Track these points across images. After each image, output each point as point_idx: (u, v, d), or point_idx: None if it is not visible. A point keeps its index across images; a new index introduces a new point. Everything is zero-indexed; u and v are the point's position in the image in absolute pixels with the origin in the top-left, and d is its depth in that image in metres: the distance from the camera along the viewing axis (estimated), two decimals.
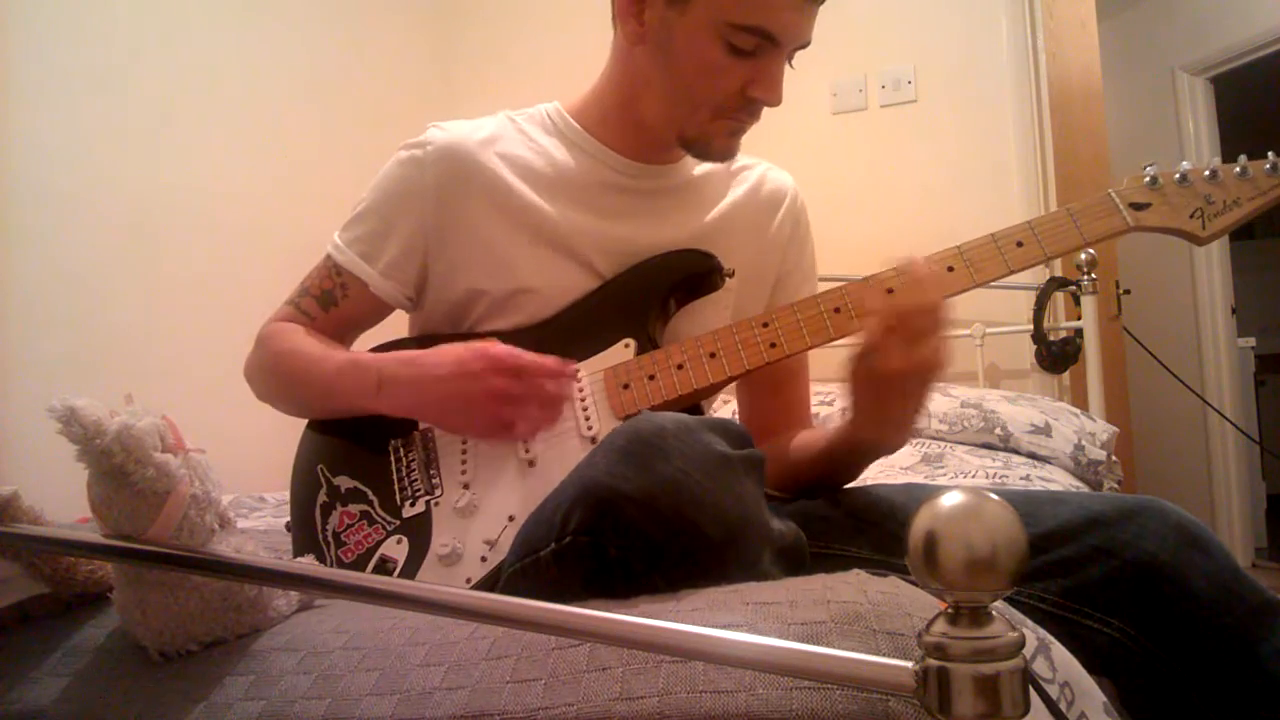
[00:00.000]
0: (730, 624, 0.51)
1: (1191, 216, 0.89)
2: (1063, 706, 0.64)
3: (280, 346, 0.99)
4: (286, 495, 0.98)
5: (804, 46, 0.92)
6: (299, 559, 0.80)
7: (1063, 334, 2.28)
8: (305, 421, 1.00)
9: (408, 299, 1.01)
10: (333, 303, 1.00)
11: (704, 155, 0.98)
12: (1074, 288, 2.24)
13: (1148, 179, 0.90)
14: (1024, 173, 2.31)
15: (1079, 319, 2.24)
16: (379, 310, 1.02)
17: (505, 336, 0.95)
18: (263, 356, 1.01)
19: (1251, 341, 3.80)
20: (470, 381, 0.84)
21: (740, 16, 0.86)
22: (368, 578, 0.55)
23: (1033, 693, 0.36)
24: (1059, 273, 2.28)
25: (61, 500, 0.81)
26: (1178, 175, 0.90)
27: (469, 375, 0.85)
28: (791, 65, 0.93)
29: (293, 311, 1.02)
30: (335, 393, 0.93)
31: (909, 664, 0.36)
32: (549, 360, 0.87)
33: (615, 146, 1.00)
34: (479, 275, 0.96)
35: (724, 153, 0.97)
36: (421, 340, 0.98)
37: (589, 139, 1.00)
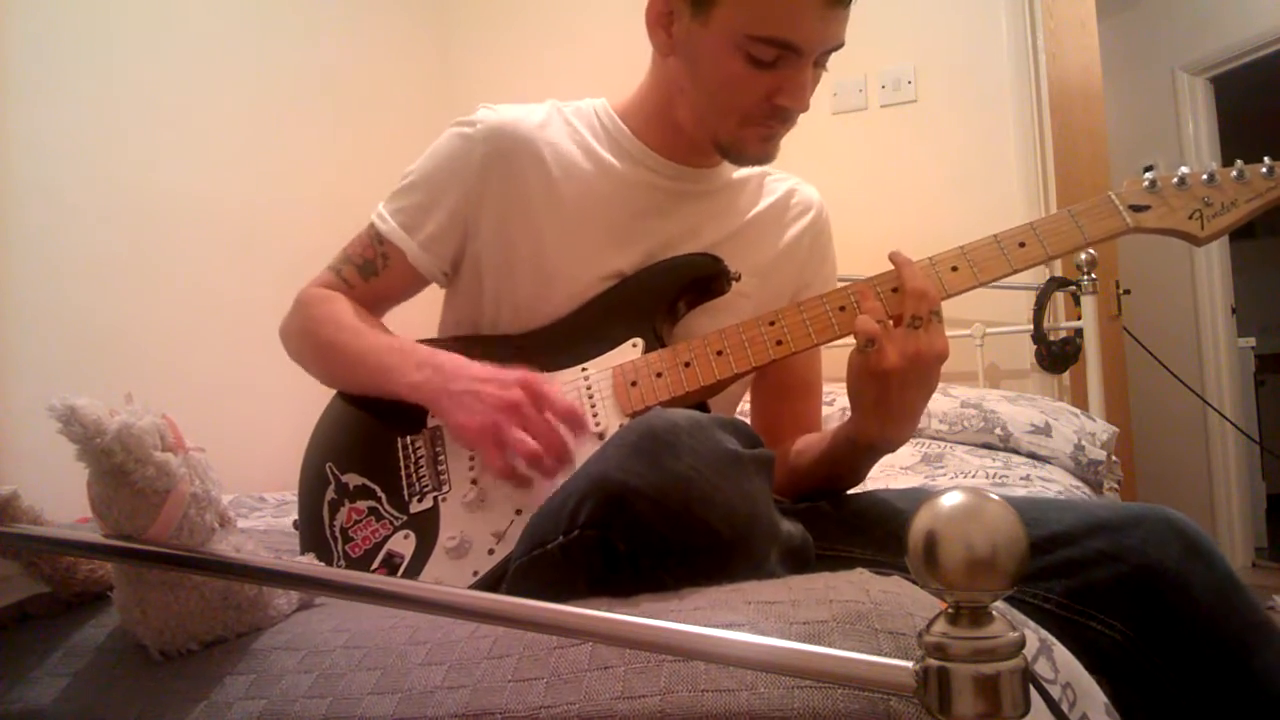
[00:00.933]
0: (732, 623, 0.51)
1: (1190, 218, 0.91)
2: (1064, 707, 0.64)
3: (321, 312, 1.00)
4: (287, 495, 0.98)
5: (837, 49, 0.91)
6: (299, 558, 0.80)
7: (1063, 334, 2.28)
8: (312, 422, 1.00)
9: (444, 274, 1.03)
10: (373, 273, 1.02)
11: (739, 160, 0.99)
12: (1074, 288, 2.24)
13: (1146, 182, 0.92)
14: (1024, 172, 2.31)
15: (1079, 319, 2.24)
16: (415, 283, 1.03)
17: (518, 336, 0.96)
18: (303, 320, 1.02)
19: (1251, 341, 3.80)
20: (495, 386, 0.84)
21: (757, 29, 0.86)
22: (369, 577, 0.55)
23: (1034, 693, 0.36)
24: (1059, 273, 2.28)
25: (61, 500, 0.81)
26: (1175, 179, 0.92)
27: (497, 380, 0.85)
28: (825, 68, 0.93)
29: (334, 278, 1.04)
30: (377, 368, 0.93)
31: (909, 664, 0.36)
32: (574, 406, 0.85)
33: (657, 148, 1.01)
34: (508, 260, 0.98)
35: (759, 157, 0.98)
36: (449, 341, 0.99)
37: (632, 139, 1.01)
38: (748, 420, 1.14)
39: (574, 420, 0.84)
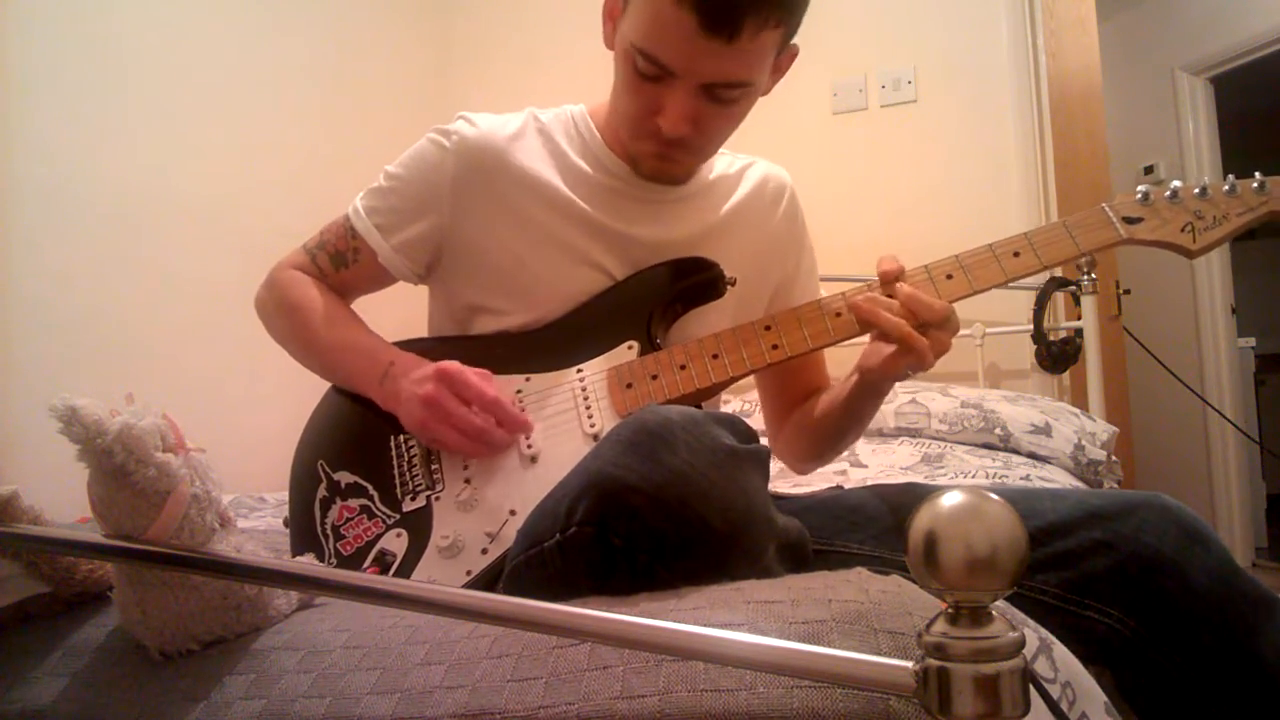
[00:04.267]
0: (731, 623, 0.51)
1: (1182, 230, 0.93)
2: (1064, 706, 0.64)
3: (294, 298, 1.02)
4: (286, 495, 0.98)
5: (738, 85, 0.86)
6: (299, 558, 0.80)
7: (1063, 334, 2.28)
8: (305, 420, 1.00)
9: (416, 275, 1.04)
10: (343, 264, 1.04)
11: (639, 173, 0.99)
12: (1074, 288, 2.24)
13: (1139, 195, 0.94)
14: (1024, 172, 2.31)
15: (1079, 319, 2.24)
16: (384, 279, 1.05)
17: (512, 337, 0.96)
18: (277, 300, 1.04)
19: (1251, 341, 3.80)
20: (415, 384, 0.88)
21: (640, 40, 0.85)
22: (368, 578, 0.55)
23: (1034, 692, 0.36)
24: (1059, 273, 2.28)
25: (61, 500, 0.81)
26: (1168, 192, 0.93)
27: (419, 378, 0.88)
28: (727, 103, 0.88)
29: (308, 262, 1.05)
30: (341, 367, 0.98)
31: (909, 664, 0.36)
32: (492, 393, 0.86)
33: (624, 156, 1.00)
34: (490, 273, 0.98)
35: (657, 174, 0.98)
36: (434, 341, 1.00)
37: (603, 147, 1.01)
38: (747, 418, 1.15)
39: (496, 409, 0.87)
